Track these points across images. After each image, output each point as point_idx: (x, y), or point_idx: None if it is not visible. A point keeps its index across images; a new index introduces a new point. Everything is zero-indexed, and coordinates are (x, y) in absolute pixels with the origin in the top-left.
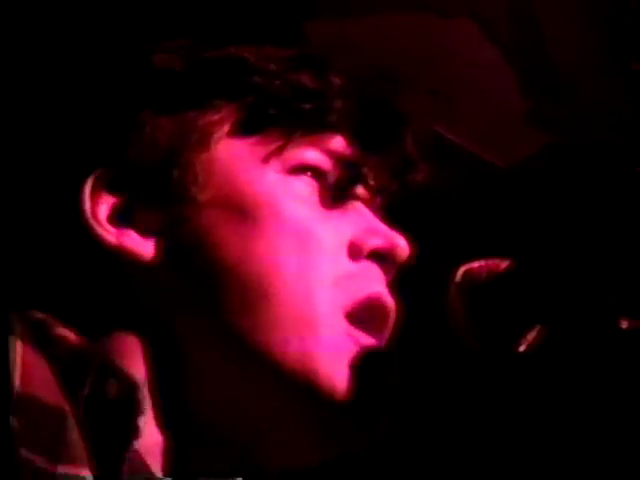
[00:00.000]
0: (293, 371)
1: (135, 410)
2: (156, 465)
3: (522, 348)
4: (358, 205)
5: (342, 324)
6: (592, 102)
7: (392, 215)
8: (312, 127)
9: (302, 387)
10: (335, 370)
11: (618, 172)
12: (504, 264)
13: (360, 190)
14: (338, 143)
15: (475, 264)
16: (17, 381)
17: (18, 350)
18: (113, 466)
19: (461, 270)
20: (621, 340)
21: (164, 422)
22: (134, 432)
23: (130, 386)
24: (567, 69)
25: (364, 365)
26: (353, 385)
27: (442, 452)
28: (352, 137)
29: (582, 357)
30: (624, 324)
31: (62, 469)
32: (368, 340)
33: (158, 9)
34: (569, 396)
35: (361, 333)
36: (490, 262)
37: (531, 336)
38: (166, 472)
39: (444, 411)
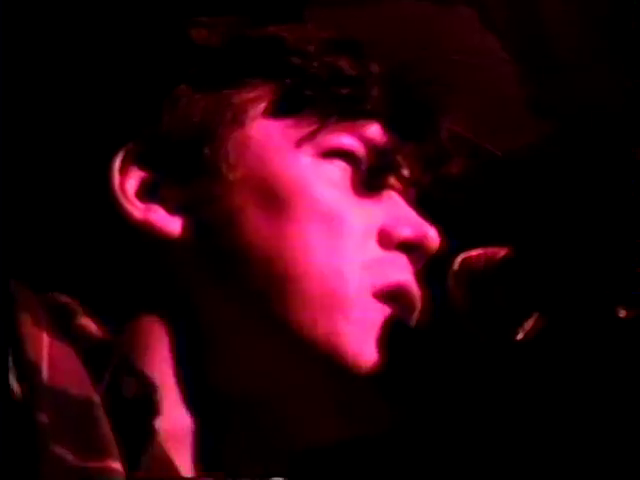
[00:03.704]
0: (320, 350)
1: (151, 411)
2: (183, 450)
3: (520, 336)
4: (391, 194)
5: (370, 301)
6: (591, 89)
7: (424, 207)
8: (348, 112)
9: (329, 365)
10: (363, 347)
11: (617, 160)
12: (502, 252)
13: (393, 180)
14: (373, 130)
15: (473, 252)
16: (44, 373)
17: (45, 340)
18: (134, 463)
19: (459, 258)
20: (618, 328)
21: (191, 404)
22: (150, 433)
23: (147, 386)
24: (566, 56)
25: (391, 341)
26: (379, 361)
27: (441, 440)
28: (387, 125)
29: (580, 345)
30: (621, 313)
31: (93, 463)
32: (396, 315)
33: None
34: (567, 384)
35: (389, 309)
36: (488, 250)
37: (529, 324)
38: (194, 455)
39: (445, 398)
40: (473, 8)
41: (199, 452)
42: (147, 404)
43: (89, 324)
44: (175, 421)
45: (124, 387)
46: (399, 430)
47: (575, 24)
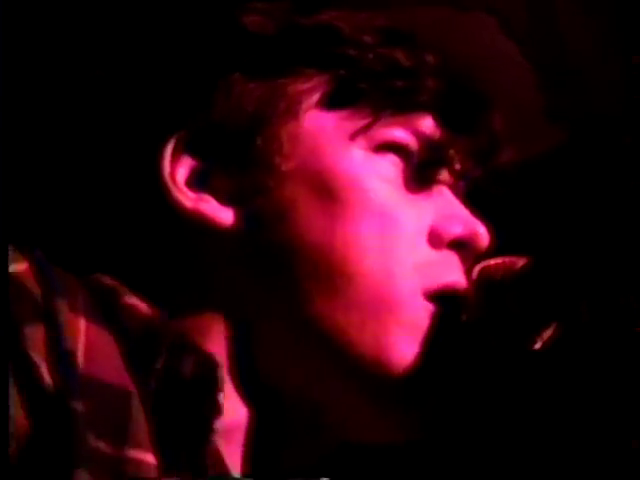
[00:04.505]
0: (367, 352)
1: (215, 388)
2: (233, 446)
3: (538, 346)
4: (442, 189)
5: (421, 303)
6: (607, 98)
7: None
8: (402, 105)
9: (374, 367)
10: (411, 349)
11: (635, 170)
12: (521, 262)
13: (444, 174)
14: (427, 124)
15: (492, 261)
16: (80, 361)
17: (82, 327)
18: (190, 451)
19: (478, 267)
20: (636, 339)
21: (243, 397)
22: (215, 410)
23: (210, 364)
24: (584, 65)
25: (439, 341)
26: (422, 362)
27: (459, 448)
28: (440, 117)
29: (597, 355)
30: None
31: (127, 454)
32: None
33: None
34: (583, 394)
35: (439, 309)
36: (507, 259)
37: (547, 334)
38: (245, 451)
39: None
40: (493, 15)
41: (251, 448)
42: (210, 381)
43: (138, 303)
44: (230, 415)
45: (183, 366)
46: (429, 438)
47: (593, 33)
